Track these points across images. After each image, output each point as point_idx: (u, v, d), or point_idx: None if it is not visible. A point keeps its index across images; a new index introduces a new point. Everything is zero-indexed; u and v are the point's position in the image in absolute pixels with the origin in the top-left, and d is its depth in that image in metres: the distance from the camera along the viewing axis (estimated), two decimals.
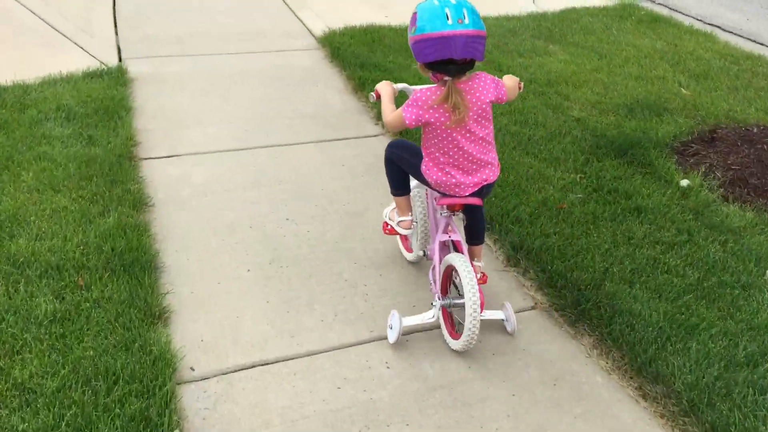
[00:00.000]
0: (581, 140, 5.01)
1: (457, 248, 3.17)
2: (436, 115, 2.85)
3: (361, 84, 5.84)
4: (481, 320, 3.02)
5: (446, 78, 2.80)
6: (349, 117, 5.46)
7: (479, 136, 2.91)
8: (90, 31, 6.97)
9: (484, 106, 2.88)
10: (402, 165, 3.29)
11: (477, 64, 2.91)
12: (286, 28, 7.36)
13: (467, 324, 2.93)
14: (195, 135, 5.14)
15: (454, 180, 2.97)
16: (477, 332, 2.96)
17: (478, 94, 2.87)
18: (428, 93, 2.85)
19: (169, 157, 4.84)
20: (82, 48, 6.55)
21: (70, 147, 4.69)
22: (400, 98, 3.26)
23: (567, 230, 3.96)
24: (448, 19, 2.68)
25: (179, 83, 5.95)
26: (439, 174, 2.98)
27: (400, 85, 3.24)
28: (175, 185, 4.48)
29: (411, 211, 3.44)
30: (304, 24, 7.48)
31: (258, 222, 4.15)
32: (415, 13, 2.80)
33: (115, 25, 7.20)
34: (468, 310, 2.90)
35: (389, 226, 3.49)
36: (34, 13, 7.25)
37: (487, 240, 4.00)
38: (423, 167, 3.04)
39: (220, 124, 5.30)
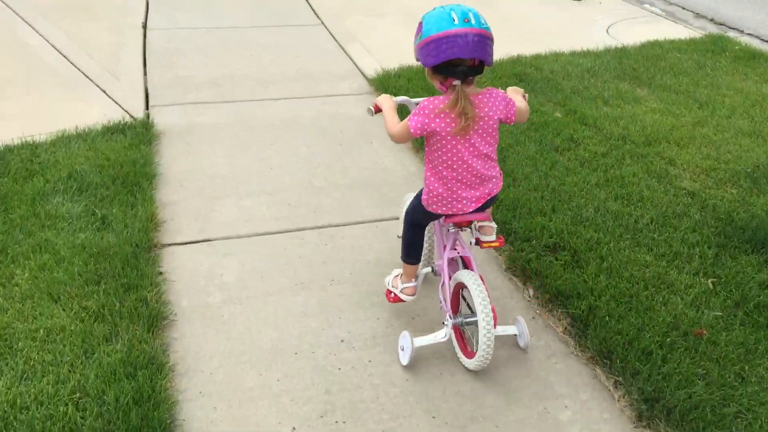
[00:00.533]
0: (702, 225, 3.97)
1: (466, 264, 3.05)
2: (442, 123, 2.70)
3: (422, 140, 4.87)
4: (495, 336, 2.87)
5: (455, 83, 2.65)
6: (411, 186, 4.49)
7: (483, 152, 2.78)
8: (116, 70, 6.10)
9: (491, 122, 2.75)
10: (415, 216, 3.09)
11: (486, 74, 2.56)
12: (334, 68, 6.41)
13: (481, 343, 2.80)
14: (229, 210, 4.20)
15: (455, 195, 2.83)
16: (491, 350, 2.82)
17: (486, 109, 2.73)
18: (435, 101, 2.71)
19: (196, 242, 3.91)
20: (105, 92, 5.67)
21: (78, 232, 3.78)
22: (401, 113, 3.01)
23: (715, 371, 2.94)
24: (454, 20, 2.57)
25: (213, 138, 5.04)
26: (441, 189, 2.84)
27: (401, 98, 3.07)
28: (203, 286, 3.55)
29: (416, 277, 3.27)
30: (353, 62, 6.52)
31: (306, 345, 3.19)
32: (420, 23, 2.68)
33: (145, 64, 6.32)
34: (481, 329, 2.77)
35: (393, 294, 3.27)
36: (55, 48, 6.42)
37: (605, 382, 3.01)
38: (425, 195, 2.90)
39: (258, 195, 4.36)
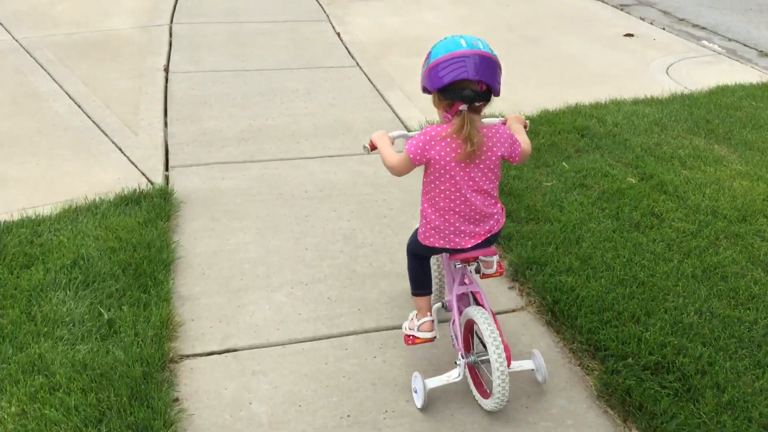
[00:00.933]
0: None
1: (476, 299, 2.91)
2: (447, 149, 2.57)
3: None
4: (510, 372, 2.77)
5: (462, 107, 2.52)
6: None
7: (483, 188, 2.65)
8: (135, 123, 5.45)
9: (494, 158, 2.63)
10: (416, 249, 2.94)
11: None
12: (373, 117, 5.73)
13: (495, 383, 2.66)
14: (258, 308, 3.51)
15: (453, 228, 2.70)
16: (507, 390, 2.68)
17: (490, 144, 2.62)
18: (438, 128, 2.60)
19: (220, 353, 3.22)
20: (121, 150, 5.03)
21: (79, 343, 3.11)
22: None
23: None
24: (462, 44, 2.51)
25: (240, 209, 4.36)
26: (438, 222, 2.71)
27: (396, 133, 2.93)
28: (229, 424, 2.85)
29: (430, 311, 3.08)
30: (394, 111, 5.84)
31: None
32: (429, 53, 2.60)
33: (165, 113, 5.67)
34: (495, 370, 2.63)
35: (411, 337, 3.06)
36: (69, 96, 5.81)
37: None
38: (422, 229, 2.78)
39: (292, 286, 3.67)
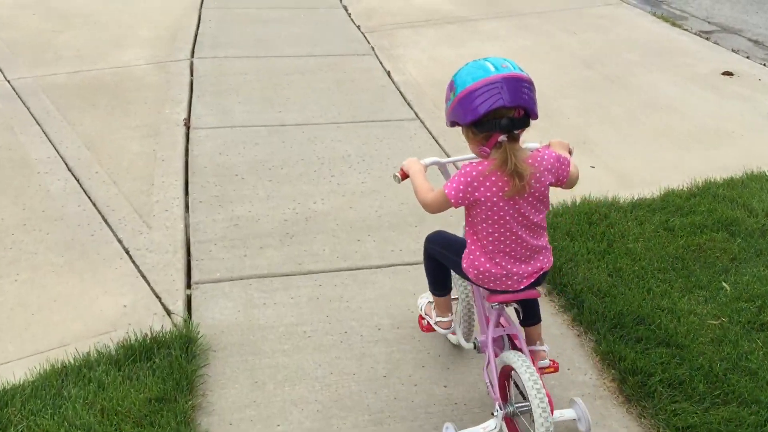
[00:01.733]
0: None
1: (513, 343, 2.60)
2: (493, 188, 2.22)
3: (608, 360, 2.93)
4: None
5: (501, 139, 2.19)
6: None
7: (533, 221, 2.33)
8: (148, 207, 4.14)
9: (542, 188, 2.29)
10: (444, 261, 2.62)
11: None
12: None
13: None
14: None
15: (505, 271, 2.37)
16: None
17: (538, 175, 2.26)
18: (478, 166, 2.23)
19: None
20: (129, 254, 3.71)
21: None
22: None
23: None
24: (490, 68, 2.18)
25: (290, 361, 3.04)
26: (488, 265, 2.37)
27: (430, 159, 2.56)
28: None
29: (451, 311, 2.83)
30: None
31: None
32: (451, 82, 2.28)
33: (186, 191, 4.36)
34: (537, 417, 2.28)
35: (426, 322, 2.87)
36: (67, 166, 4.55)
37: None
38: (466, 259, 2.42)
39: None
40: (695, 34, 7.87)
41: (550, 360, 2.69)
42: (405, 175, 2.53)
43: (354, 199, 4.32)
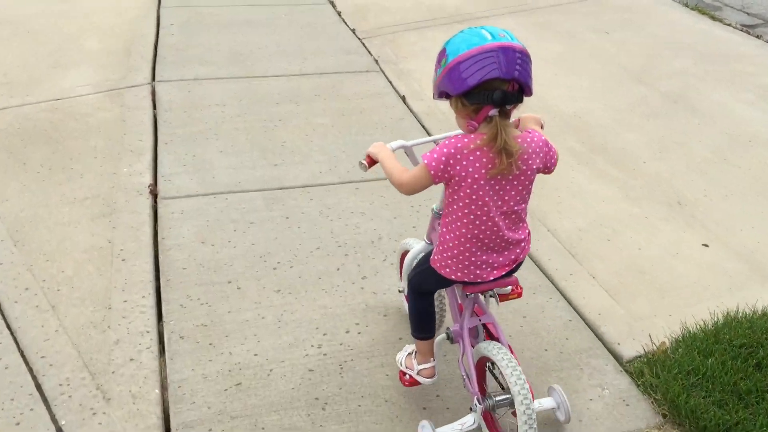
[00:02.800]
0: None
1: (489, 331, 2.35)
2: (475, 164, 1.94)
3: None
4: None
5: (492, 112, 1.90)
6: None
7: (515, 209, 2.05)
8: (104, 358, 2.71)
9: (530, 173, 2.02)
10: (424, 281, 2.30)
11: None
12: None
13: (521, 424, 2.09)
14: None
15: (473, 258, 2.08)
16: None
17: (526, 157, 1.99)
18: (464, 138, 1.95)
19: None
20: None
21: None
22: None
23: None
24: (486, 36, 1.88)
25: None
26: (456, 251, 2.08)
27: (397, 143, 2.26)
28: None
29: (433, 355, 2.44)
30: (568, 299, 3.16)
31: None
32: (442, 50, 1.96)
33: (160, 317, 2.92)
34: (519, 408, 2.09)
35: (408, 376, 2.47)
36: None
37: None
38: (435, 253, 2.16)
39: None
40: (739, 29, 6.55)
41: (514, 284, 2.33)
42: (372, 162, 2.23)
43: (401, 320, 2.92)
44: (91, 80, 4.97)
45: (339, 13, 6.54)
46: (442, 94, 2.01)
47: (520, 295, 2.46)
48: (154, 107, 4.65)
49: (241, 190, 3.79)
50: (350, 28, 6.14)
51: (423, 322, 2.41)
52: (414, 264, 2.46)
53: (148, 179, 3.83)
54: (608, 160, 4.22)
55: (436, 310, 2.49)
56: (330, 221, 3.54)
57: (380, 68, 5.36)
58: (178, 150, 4.14)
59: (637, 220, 3.68)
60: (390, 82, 5.14)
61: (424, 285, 2.33)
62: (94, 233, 3.38)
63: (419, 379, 2.45)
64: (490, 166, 1.94)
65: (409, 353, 2.52)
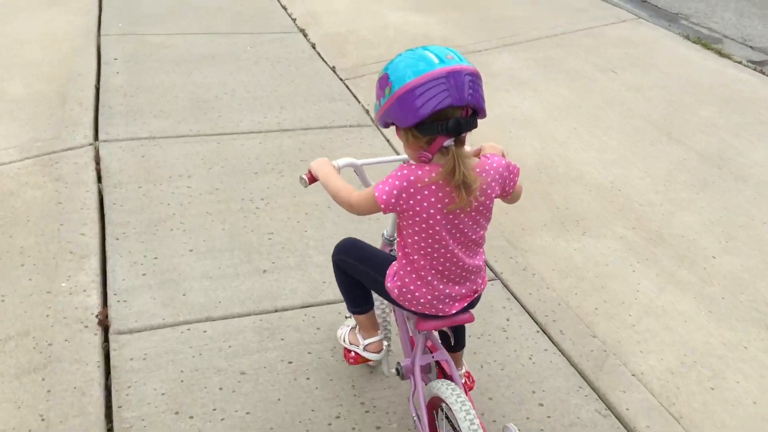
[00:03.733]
0: None
1: (442, 369, 2.13)
2: (430, 199, 1.75)
3: None
4: None
5: (447, 143, 1.71)
6: None
7: (472, 238, 1.86)
8: None
9: (488, 201, 1.82)
10: (359, 278, 2.13)
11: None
12: None
13: None
14: None
15: (436, 292, 1.91)
16: None
17: (485, 187, 1.79)
18: (417, 170, 1.74)
19: None
20: None
21: None
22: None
23: None
24: (433, 59, 1.67)
25: None
26: (418, 284, 1.90)
27: (344, 161, 2.02)
28: None
29: (378, 327, 2.28)
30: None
31: None
32: (384, 75, 1.73)
33: None
34: None
35: (353, 353, 2.30)
36: None
37: None
38: (391, 277, 1.96)
39: None
40: (750, 67, 5.86)
41: (468, 376, 2.30)
42: (313, 179, 1.99)
43: None
44: (14, 141, 3.86)
45: (313, 46, 5.54)
46: (388, 123, 1.79)
47: (471, 387, 2.32)
48: (99, 180, 3.58)
49: (223, 316, 2.78)
50: (329, 66, 5.16)
51: (356, 294, 2.21)
52: (351, 247, 2.16)
53: (95, 300, 2.79)
54: (671, 255, 3.39)
55: (378, 312, 2.31)
56: (346, 366, 2.58)
57: (373, 121, 4.40)
58: (134, 249, 3.10)
59: (735, 351, 2.85)
60: (388, 141, 4.19)
61: (364, 283, 2.14)
62: (20, 404, 2.33)
63: (366, 355, 2.29)
64: (447, 200, 1.76)
65: (351, 328, 2.35)
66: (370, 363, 2.36)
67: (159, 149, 3.89)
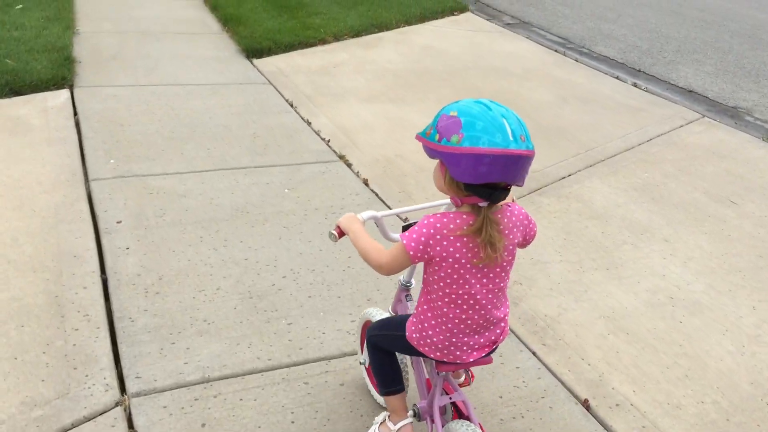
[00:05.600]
0: None
1: (459, 410, 2.13)
2: (461, 250, 1.78)
3: None
4: None
5: (481, 205, 1.78)
6: None
7: (500, 285, 1.88)
8: None
9: (511, 248, 1.85)
10: (390, 346, 2.15)
11: None
12: None
13: None
14: None
15: (455, 339, 1.90)
16: None
17: (507, 232, 1.83)
18: (445, 220, 1.78)
19: None
20: None
21: None
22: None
23: None
24: (509, 135, 1.67)
25: None
26: (436, 330, 1.90)
27: (367, 214, 2.07)
28: None
29: (407, 409, 2.25)
30: None
31: None
32: (453, 117, 1.70)
33: None
34: None
35: None
36: None
37: None
38: (411, 324, 1.97)
39: None
40: None
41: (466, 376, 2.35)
42: (342, 234, 2.03)
43: None
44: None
45: (365, 182, 4.31)
46: (435, 157, 1.76)
47: (468, 384, 2.37)
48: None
49: None
50: (401, 219, 3.89)
51: (390, 375, 2.19)
52: (382, 324, 2.17)
53: None
54: None
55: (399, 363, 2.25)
56: None
57: None
58: None
59: None
60: (541, 361, 2.94)
61: (390, 348, 2.15)
62: None
63: None
64: (470, 255, 1.79)
65: (381, 423, 2.27)
66: None
67: (220, 400, 2.52)
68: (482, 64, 6.94)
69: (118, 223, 3.60)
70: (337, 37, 7.33)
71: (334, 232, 2.04)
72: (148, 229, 3.56)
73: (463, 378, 2.37)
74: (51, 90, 5.28)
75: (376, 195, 4.15)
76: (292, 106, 5.42)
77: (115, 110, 4.99)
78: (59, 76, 5.42)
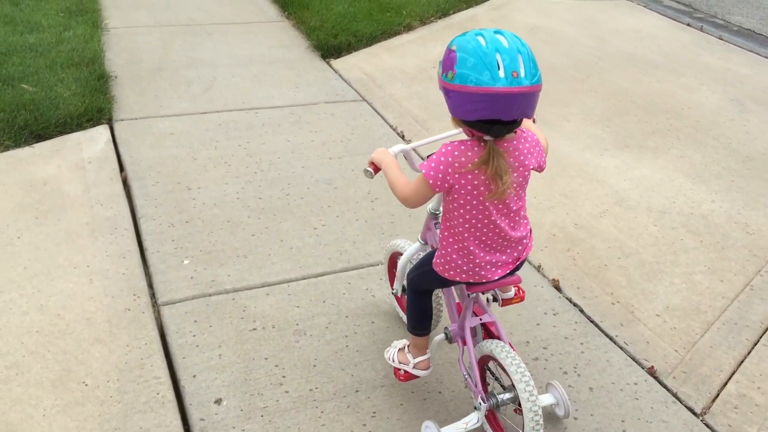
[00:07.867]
0: None
1: (489, 331, 2.15)
2: (473, 183, 1.77)
3: None
4: None
5: (486, 138, 1.73)
6: None
7: (513, 208, 1.86)
8: None
9: (526, 173, 1.82)
10: (424, 283, 2.11)
11: None
12: None
13: (529, 426, 1.93)
14: None
15: (477, 260, 1.90)
16: (542, 427, 1.94)
17: (522, 158, 1.80)
18: (457, 152, 1.75)
19: None
20: None
21: None
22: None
23: None
24: (499, 69, 1.61)
25: None
26: (460, 254, 1.90)
27: (397, 148, 2.08)
28: None
29: (428, 347, 2.24)
30: None
31: None
32: (452, 52, 1.68)
33: None
34: (526, 405, 1.93)
35: (402, 371, 2.26)
36: None
37: None
38: (439, 259, 1.95)
39: None
40: None
41: (517, 288, 2.39)
42: (377, 169, 2.04)
43: None
44: None
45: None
46: (441, 89, 1.73)
47: (522, 298, 2.40)
48: None
49: None
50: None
51: (422, 320, 2.20)
52: (413, 264, 2.19)
53: None
54: None
55: (434, 305, 2.28)
56: None
57: None
58: None
59: None
60: None
61: (424, 285, 2.14)
62: None
63: (416, 372, 2.25)
64: (483, 188, 1.77)
65: (400, 349, 2.28)
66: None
67: None
68: (610, 50, 5.37)
69: (216, 403, 2.21)
70: (423, 20, 5.77)
71: (370, 169, 2.03)
72: (269, 419, 2.17)
73: (512, 293, 2.36)
74: (84, 128, 3.84)
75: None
76: (403, 138, 3.95)
77: (176, 160, 3.56)
78: (94, 106, 3.96)
